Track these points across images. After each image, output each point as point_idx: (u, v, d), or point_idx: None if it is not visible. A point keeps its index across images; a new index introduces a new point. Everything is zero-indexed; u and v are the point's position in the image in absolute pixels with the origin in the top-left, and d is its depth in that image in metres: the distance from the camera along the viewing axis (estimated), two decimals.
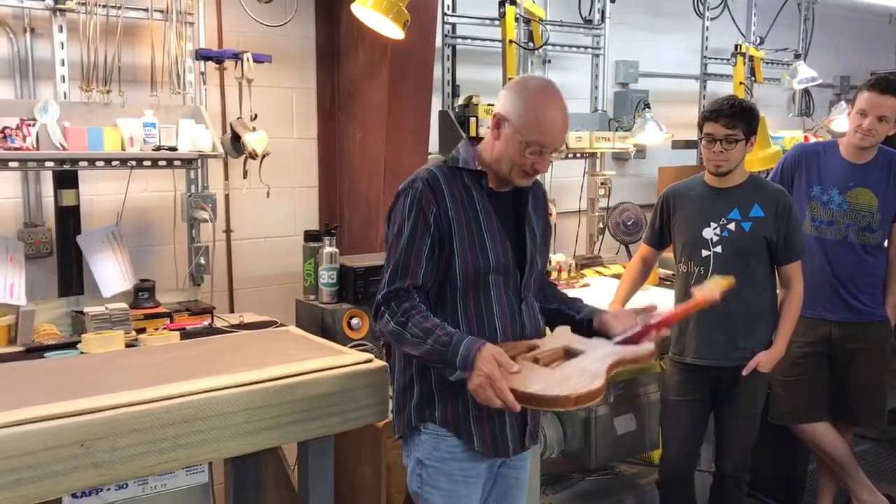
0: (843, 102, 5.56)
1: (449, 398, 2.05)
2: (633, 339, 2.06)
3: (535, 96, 2.02)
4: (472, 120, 3.66)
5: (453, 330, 1.93)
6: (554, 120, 2.02)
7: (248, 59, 3.22)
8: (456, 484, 2.09)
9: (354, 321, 3.11)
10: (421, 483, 2.11)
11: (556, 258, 3.86)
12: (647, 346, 2.04)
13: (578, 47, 4.54)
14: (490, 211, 2.07)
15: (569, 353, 2.02)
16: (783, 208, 2.91)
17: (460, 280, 2.02)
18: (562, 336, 2.15)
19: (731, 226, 2.91)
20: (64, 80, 2.95)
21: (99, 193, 3.25)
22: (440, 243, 2.00)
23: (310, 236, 3.31)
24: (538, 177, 2.15)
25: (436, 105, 3.88)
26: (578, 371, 1.91)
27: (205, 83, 3.25)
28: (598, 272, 4.05)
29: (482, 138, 2.18)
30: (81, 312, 2.83)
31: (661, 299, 3.39)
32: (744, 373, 2.91)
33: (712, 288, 2.28)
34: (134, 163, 2.98)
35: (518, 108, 2.00)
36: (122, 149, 2.91)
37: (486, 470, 2.16)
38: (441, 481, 2.09)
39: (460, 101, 3.87)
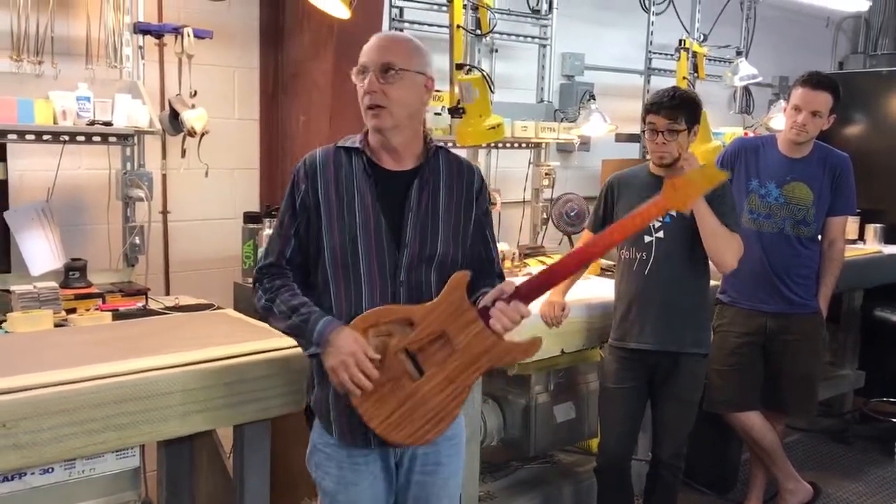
0: (781, 101, 5.68)
1: (320, 382, 2.05)
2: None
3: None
4: None
5: (318, 310, 1.99)
6: None
7: (188, 34, 3.13)
8: (343, 470, 2.06)
9: None
10: (315, 468, 2.11)
11: (500, 247, 3.86)
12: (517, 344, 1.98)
13: (526, 37, 4.54)
14: (366, 189, 2.01)
15: (444, 339, 1.93)
16: (721, 191, 2.93)
17: (329, 258, 2.02)
18: (451, 304, 1.95)
19: (674, 211, 2.93)
20: None
21: (29, 169, 3.12)
22: (309, 222, 2.04)
23: (249, 217, 3.24)
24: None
25: None
26: (427, 411, 1.93)
27: (143, 58, 3.15)
28: (541, 262, 4.06)
29: None
30: (8, 291, 2.72)
31: (601, 289, 3.44)
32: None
33: (692, 180, 2.01)
34: (66, 137, 2.87)
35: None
36: (55, 122, 2.80)
37: (378, 460, 2.07)
38: (330, 467, 2.07)
39: None
